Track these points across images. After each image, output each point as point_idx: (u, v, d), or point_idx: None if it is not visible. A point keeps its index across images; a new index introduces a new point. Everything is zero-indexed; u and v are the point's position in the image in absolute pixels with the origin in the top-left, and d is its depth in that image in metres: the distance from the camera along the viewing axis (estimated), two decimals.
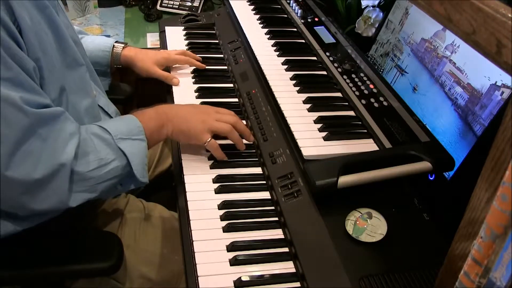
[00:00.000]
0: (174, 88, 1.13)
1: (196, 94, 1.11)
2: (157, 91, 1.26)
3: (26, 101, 0.67)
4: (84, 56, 0.92)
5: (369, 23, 1.28)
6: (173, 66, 1.20)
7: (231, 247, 0.74)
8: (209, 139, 0.88)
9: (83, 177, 0.74)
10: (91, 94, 0.91)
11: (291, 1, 1.38)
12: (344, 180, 0.75)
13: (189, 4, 1.78)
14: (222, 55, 1.27)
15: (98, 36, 1.22)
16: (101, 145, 0.77)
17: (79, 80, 0.87)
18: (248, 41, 1.19)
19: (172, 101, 1.09)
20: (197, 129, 0.88)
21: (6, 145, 0.64)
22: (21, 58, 0.69)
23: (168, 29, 1.38)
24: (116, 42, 1.18)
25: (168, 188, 1.08)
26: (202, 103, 1.07)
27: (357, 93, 0.99)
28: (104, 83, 1.18)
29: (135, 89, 1.44)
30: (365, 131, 0.90)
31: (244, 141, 0.96)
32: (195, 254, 0.73)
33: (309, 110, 0.94)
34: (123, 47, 1.17)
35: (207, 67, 1.21)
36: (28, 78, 0.69)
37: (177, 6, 1.78)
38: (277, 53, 1.14)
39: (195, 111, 0.91)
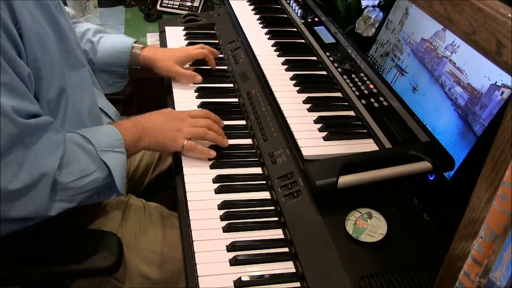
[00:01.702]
0: (174, 88, 1.13)
1: (196, 94, 1.11)
2: (157, 91, 1.26)
3: (17, 110, 0.67)
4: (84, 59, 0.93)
5: (369, 23, 1.28)
6: None
7: (231, 247, 0.74)
8: (185, 142, 0.89)
9: (64, 188, 0.73)
10: (92, 95, 0.91)
11: (291, 1, 1.38)
12: (344, 180, 0.75)
13: (189, 4, 1.78)
14: (222, 55, 1.27)
15: (116, 36, 1.20)
16: (83, 155, 0.77)
17: (81, 81, 0.87)
18: (248, 41, 1.19)
19: (172, 101, 1.09)
20: (172, 138, 0.89)
21: None
22: (17, 63, 0.68)
23: (168, 29, 1.38)
24: (135, 42, 1.16)
25: (168, 188, 1.08)
26: (202, 103, 1.07)
27: (357, 93, 0.99)
28: (121, 85, 1.19)
29: (135, 89, 1.44)
30: (365, 131, 0.90)
31: (242, 142, 0.96)
32: (195, 254, 0.73)
33: (309, 110, 0.95)
34: (142, 47, 1.16)
35: (207, 67, 1.21)
36: (21, 84, 0.69)
37: (177, 6, 1.78)
38: (277, 53, 1.14)
39: (168, 119, 0.92)
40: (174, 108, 1.06)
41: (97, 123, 0.91)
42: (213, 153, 0.90)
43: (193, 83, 1.13)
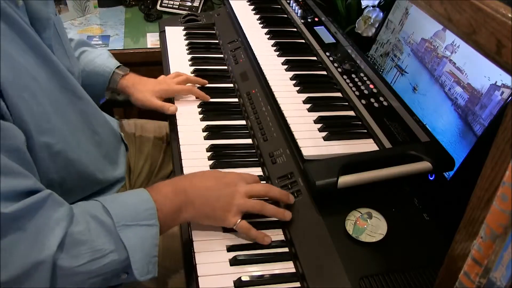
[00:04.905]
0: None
1: None
2: None
3: (5, 194, 0.57)
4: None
5: (369, 23, 1.28)
6: (171, 63, 1.19)
7: (231, 247, 0.74)
8: (239, 220, 0.74)
9: (71, 273, 0.61)
10: (97, 127, 0.84)
11: (291, 1, 1.38)
12: (344, 180, 0.75)
13: (189, 4, 1.78)
14: (222, 55, 1.27)
15: (100, 54, 1.11)
16: (100, 231, 0.65)
17: (83, 114, 0.80)
18: (248, 41, 1.19)
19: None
20: (223, 210, 0.74)
21: None
22: (7, 138, 0.60)
23: (168, 29, 1.38)
24: (117, 68, 1.09)
25: None
26: (202, 103, 1.07)
27: (357, 93, 0.99)
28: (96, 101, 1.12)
29: None
30: (365, 131, 0.90)
31: (242, 142, 0.96)
32: (195, 254, 0.73)
33: (309, 110, 0.95)
34: (123, 75, 1.09)
35: (207, 67, 1.21)
36: (9, 162, 0.60)
37: (177, 6, 1.78)
38: (277, 53, 1.14)
39: (219, 184, 0.76)
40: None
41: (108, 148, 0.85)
42: (268, 240, 0.75)
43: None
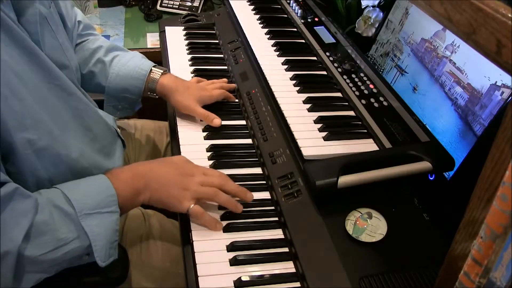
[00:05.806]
0: None
1: None
2: None
3: None
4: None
5: (369, 23, 1.28)
6: (171, 63, 1.19)
7: (231, 247, 0.74)
8: (192, 205, 0.77)
9: (35, 261, 0.64)
10: (90, 123, 0.82)
11: (291, 1, 1.38)
12: (344, 180, 0.75)
13: (189, 4, 1.78)
14: (222, 55, 1.27)
15: (133, 56, 1.06)
16: (62, 221, 0.67)
17: (73, 112, 0.77)
18: (248, 41, 1.19)
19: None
20: (177, 197, 0.77)
21: None
22: None
23: (168, 29, 1.38)
24: (154, 66, 1.05)
25: None
26: None
27: (357, 93, 0.99)
28: (130, 111, 1.10)
29: None
30: (365, 131, 0.90)
31: (242, 142, 0.96)
32: (195, 254, 0.73)
33: (309, 110, 0.95)
34: (162, 74, 1.04)
35: (207, 67, 1.21)
36: None
37: (177, 6, 1.78)
38: (277, 53, 1.14)
39: (177, 173, 0.80)
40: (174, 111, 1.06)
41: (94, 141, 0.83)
42: (219, 227, 0.77)
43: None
